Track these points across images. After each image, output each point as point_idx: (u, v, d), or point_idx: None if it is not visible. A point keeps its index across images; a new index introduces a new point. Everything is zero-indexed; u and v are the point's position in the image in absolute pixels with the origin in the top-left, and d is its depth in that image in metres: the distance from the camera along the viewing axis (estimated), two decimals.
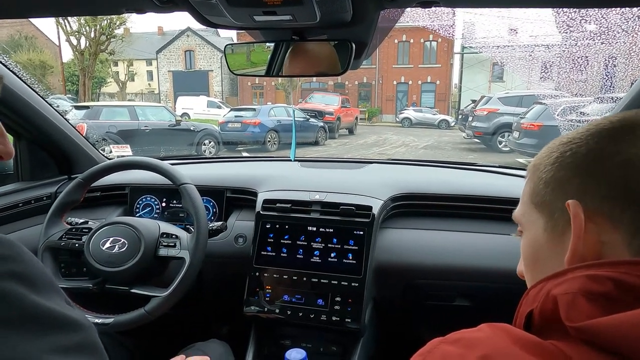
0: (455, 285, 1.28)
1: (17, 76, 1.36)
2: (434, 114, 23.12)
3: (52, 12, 0.92)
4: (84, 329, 0.43)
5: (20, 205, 1.44)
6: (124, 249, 1.16)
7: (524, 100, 10.45)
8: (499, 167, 1.68)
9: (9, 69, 1.32)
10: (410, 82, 28.87)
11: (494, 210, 1.33)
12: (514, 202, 0.55)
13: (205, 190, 1.45)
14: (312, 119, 12.95)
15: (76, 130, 1.60)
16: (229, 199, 1.51)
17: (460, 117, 17.25)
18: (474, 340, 0.41)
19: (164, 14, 0.87)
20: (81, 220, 1.31)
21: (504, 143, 10.31)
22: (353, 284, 1.21)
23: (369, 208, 1.28)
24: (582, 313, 0.37)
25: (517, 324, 0.45)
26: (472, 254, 1.26)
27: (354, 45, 0.95)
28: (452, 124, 20.94)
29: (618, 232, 0.42)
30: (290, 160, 1.66)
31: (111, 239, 1.17)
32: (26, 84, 1.38)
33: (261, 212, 1.34)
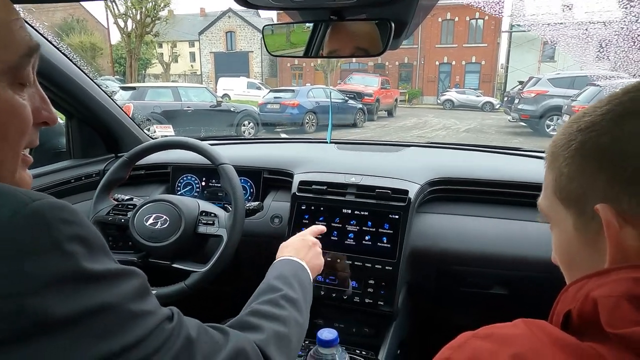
0: (492, 273, 1.25)
1: (70, 60, 1.42)
2: (477, 96, 22.30)
3: None
4: (139, 275, 0.50)
5: (72, 181, 1.53)
6: (166, 225, 1.21)
7: (576, 82, 9.86)
8: (544, 152, 1.60)
9: (63, 53, 1.39)
10: (453, 63, 27.90)
11: (535, 197, 1.27)
12: None
13: (243, 171, 1.48)
14: (350, 101, 12.83)
15: (123, 111, 1.67)
16: (266, 180, 1.53)
17: (505, 99, 16.57)
18: (508, 336, 0.40)
19: None
20: (127, 197, 1.37)
21: (552, 127, 9.82)
22: (387, 268, 1.20)
23: (405, 192, 1.26)
24: (626, 319, 0.34)
25: (554, 322, 0.43)
26: (511, 242, 1.22)
27: (393, 25, 0.92)
28: (497, 107, 20.15)
29: None
30: (327, 143, 1.66)
31: (154, 215, 1.22)
32: (78, 67, 1.45)
33: (297, 193, 1.35)
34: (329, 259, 1.26)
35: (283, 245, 1.01)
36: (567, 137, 0.46)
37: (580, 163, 0.43)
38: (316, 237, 1.06)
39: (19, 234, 0.39)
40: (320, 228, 1.12)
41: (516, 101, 11.35)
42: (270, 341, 0.66)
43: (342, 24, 0.97)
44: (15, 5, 0.49)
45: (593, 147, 0.42)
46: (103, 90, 1.58)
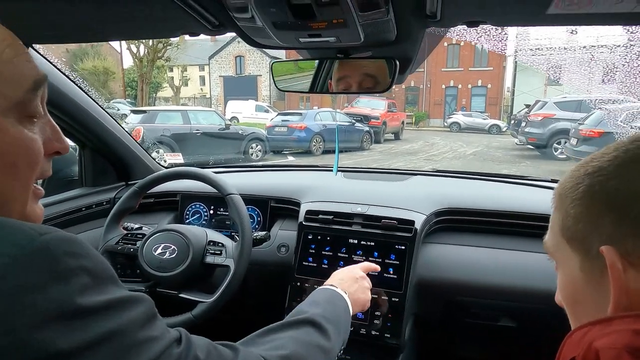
0: (499, 305, 1.24)
1: (82, 89, 1.46)
2: (484, 119, 22.38)
3: (118, 37, 0.99)
4: (145, 300, 0.50)
5: (83, 209, 1.56)
6: (174, 255, 1.22)
7: (582, 105, 9.87)
8: (551, 181, 1.60)
9: (76, 84, 1.43)
10: (459, 86, 28.10)
11: (541, 229, 1.27)
12: None
13: (250, 200, 1.50)
14: (357, 124, 12.93)
15: (134, 139, 1.71)
16: (273, 209, 1.55)
17: (512, 122, 16.59)
18: None
19: (215, 36, 0.92)
20: (136, 226, 1.39)
21: (559, 150, 9.79)
22: (393, 299, 1.20)
23: (412, 222, 1.27)
24: None
25: None
26: (518, 273, 1.21)
27: (397, 63, 0.95)
28: (504, 129, 20.18)
29: None
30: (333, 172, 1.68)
31: (163, 245, 1.24)
32: (90, 97, 1.49)
33: (303, 222, 1.36)
34: None
35: (333, 274, 1.01)
36: (574, 179, 0.48)
37: (587, 205, 0.45)
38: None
39: (25, 268, 0.40)
40: (372, 266, 1.11)
41: (523, 124, 11.35)
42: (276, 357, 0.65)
43: (347, 60, 1.00)
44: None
45: (600, 189, 0.44)
46: (114, 119, 1.62)
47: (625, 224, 0.41)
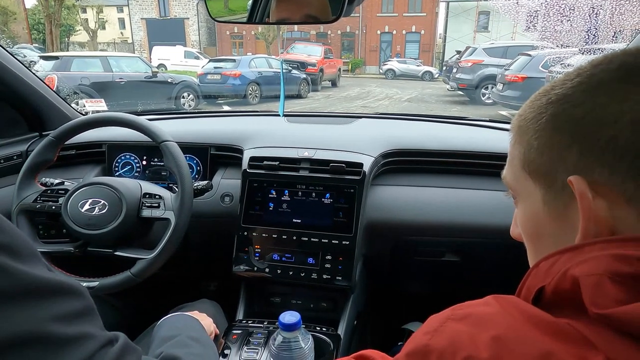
0: (444, 242, 1.28)
1: None
2: (418, 66, 22.78)
3: None
4: (82, 294, 0.44)
5: None
6: (105, 210, 1.10)
7: (509, 51, 10.32)
8: (490, 121, 1.65)
9: None
10: (394, 32, 28.15)
11: (485, 166, 1.31)
12: (504, 157, 0.51)
13: (188, 148, 1.38)
14: (294, 71, 12.61)
15: (45, 84, 1.48)
16: (213, 157, 1.45)
17: (444, 68, 17.05)
18: (484, 317, 0.38)
19: None
20: (57, 181, 1.24)
21: (487, 95, 10.28)
22: (344, 242, 1.19)
23: (360, 165, 1.24)
24: (609, 297, 0.33)
25: (523, 296, 0.42)
26: (463, 211, 1.25)
27: None
28: (436, 76, 20.73)
29: (631, 205, 0.38)
30: (278, 116, 1.60)
31: (90, 200, 1.11)
32: None
33: (248, 170, 1.29)
34: (284, 237, 1.23)
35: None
36: (536, 109, 0.45)
37: (552, 135, 0.42)
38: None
39: None
40: None
41: (454, 70, 11.70)
42: None
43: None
44: None
45: (566, 118, 0.41)
46: (20, 62, 1.39)
47: (593, 153, 0.39)
